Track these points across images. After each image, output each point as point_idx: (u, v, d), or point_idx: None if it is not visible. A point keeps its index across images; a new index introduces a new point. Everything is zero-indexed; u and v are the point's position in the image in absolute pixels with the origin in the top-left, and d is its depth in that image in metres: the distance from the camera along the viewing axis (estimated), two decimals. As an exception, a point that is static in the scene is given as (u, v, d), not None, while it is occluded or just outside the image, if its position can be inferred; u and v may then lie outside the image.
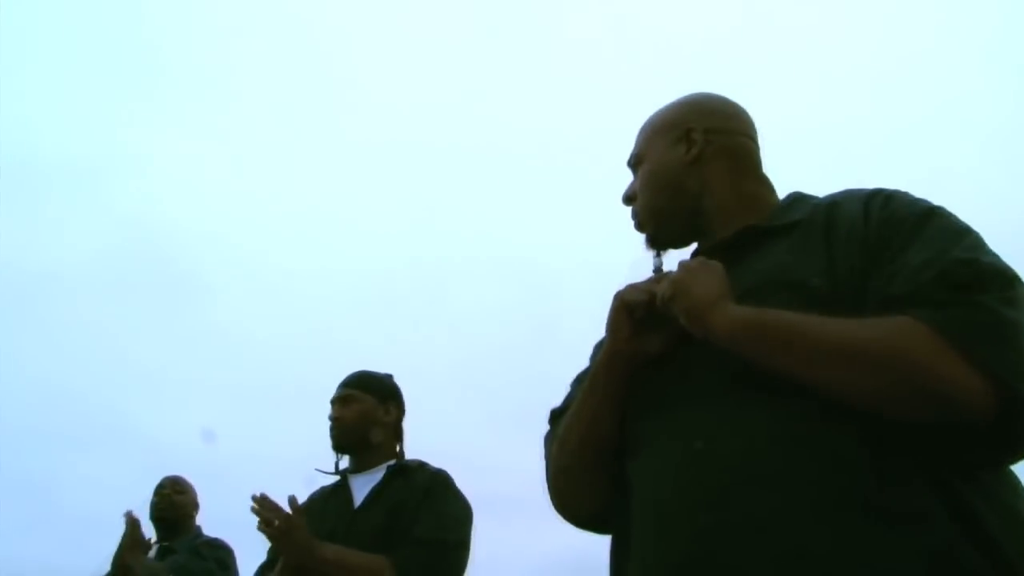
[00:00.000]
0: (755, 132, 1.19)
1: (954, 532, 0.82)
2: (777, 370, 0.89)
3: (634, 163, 1.22)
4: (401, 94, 9.84)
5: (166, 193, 9.06)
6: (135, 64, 8.85)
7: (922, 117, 8.18)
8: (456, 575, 2.04)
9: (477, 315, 8.91)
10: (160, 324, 8.34)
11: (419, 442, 2.34)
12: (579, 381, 1.18)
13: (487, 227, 9.37)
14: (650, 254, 1.18)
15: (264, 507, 1.90)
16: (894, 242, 0.92)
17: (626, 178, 1.24)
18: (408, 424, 2.31)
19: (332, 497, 2.18)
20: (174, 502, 3.11)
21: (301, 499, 2.19)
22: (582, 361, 1.23)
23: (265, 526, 1.90)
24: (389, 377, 2.35)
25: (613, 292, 1.08)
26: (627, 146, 1.25)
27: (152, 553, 3.00)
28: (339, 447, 2.21)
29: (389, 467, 2.16)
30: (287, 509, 1.91)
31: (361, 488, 2.13)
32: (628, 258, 1.20)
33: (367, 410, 2.20)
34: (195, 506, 3.21)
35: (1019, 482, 0.90)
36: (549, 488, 1.16)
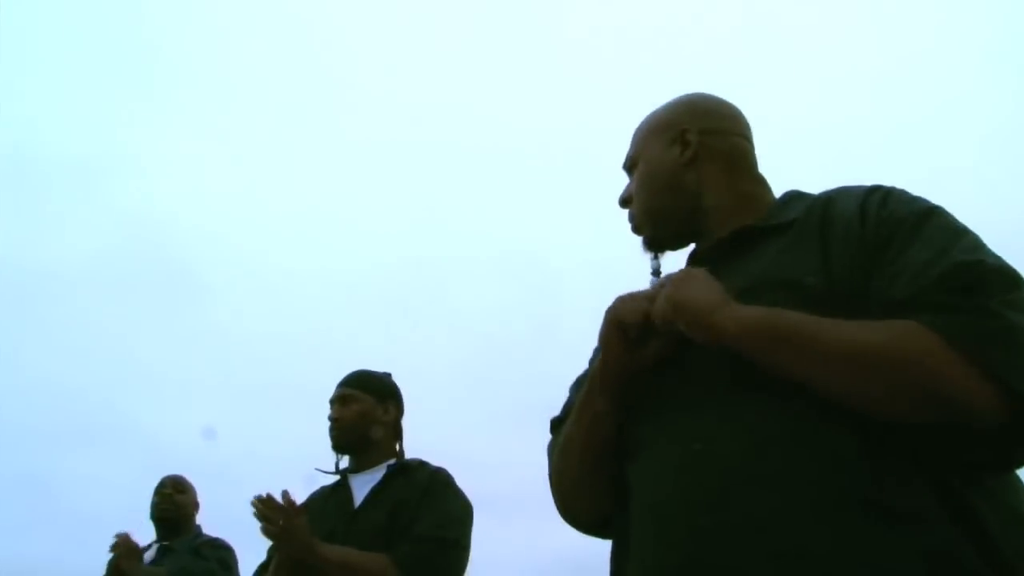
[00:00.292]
0: (750, 132, 1.19)
1: (953, 532, 0.82)
2: (784, 371, 0.89)
3: (630, 165, 1.22)
4: (401, 93, 9.84)
5: (167, 192, 9.07)
6: (136, 63, 8.85)
7: (921, 116, 8.17)
8: (456, 574, 2.04)
9: (477, 314, 8.91)
10: (161, 323, 8.34)
11: (419, 441, 2.34)
12: (578, 386, 1.18)
13: (487, 226, 9.38)
14: (648, 256, 1.18)
15: (267, 506, 1.90)
16: (894, 242, 0.92)
17: (626, 175, 1.24)
18: (408, 423, 2.31)
19: (332, 497, 2.17)
20: (175, 502, 3.11)
21: (301, 498, 2.20)
22: (583, 360, 1.23)
23: (267, 524, 1.90)
24: (388, 376, 2.35)
25: (608, 305, 1.06)
26: (627, 144, 1.25)
27: (152, 553, 3.01)
28: (339, 447, 2.21)
29: (389, 466, 2.16)
30: (283, 504, 1.92)
31: (361, 488, 2.13)
32: (628, 257, 1.20)
33: (366, 410, 2.20)
34: (195, 505, 3.21)
35: (1022, 484, 0.90)
36: (554, 495, 1.16)
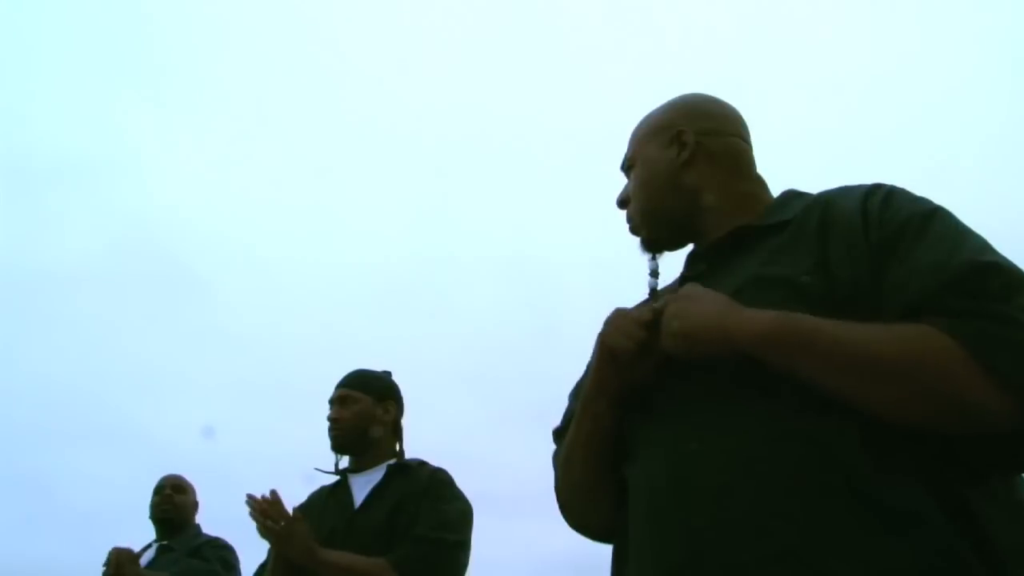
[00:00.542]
0: (747, 132, 1.19)
1: (952, 533, 0.82)
2: (798, 374, 0.88)
3: (627, 166, 1.22)
4: (402, 92, 9.85)
5: (167, 191, 9.07)
6: (136, 62, 8.86)
7: (921, 116, 8.17)
8: (456, 574, 2.03)
9: (479, 313, 8.92)
10: (161, 321, 8.34)
11: (420, 440, 2.34)
12: (577, 393, 1.18)
13: (489, 224, 9.38)
14: (645, 256, 1.18)
15: (268, 507, 1.90)
16: (901, 243, 0.91)
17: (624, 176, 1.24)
18: (409, 423, 2.31)
19: (331, 497, 2.17)
20: (175, 503, 3.11)
21: (301, 498, 2.20)
22: (584, 360, 1.23)
23: (265, 523, 1.90)
24: (387, 375, 2.34)
25: (603, 321, 1.05)
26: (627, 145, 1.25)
27: (151, 552, 3.01)
28: (338, 447, 2.21)
29: (389, 466, 2.16)
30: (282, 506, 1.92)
31: (361, 488, 2.13)
32: (629, 256, 1.20)
33: (365, 410, 2.20)
34: (195, 505, 3.21)
35: None
36: (560, 504, 1.17)
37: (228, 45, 9.40)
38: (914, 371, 0.84)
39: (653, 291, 1.16)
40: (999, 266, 0.86)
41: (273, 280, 9.25)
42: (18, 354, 7.22)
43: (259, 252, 9.28)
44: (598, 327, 1.08)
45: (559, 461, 1.16)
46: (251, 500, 1.92)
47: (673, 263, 1.18)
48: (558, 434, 1.19)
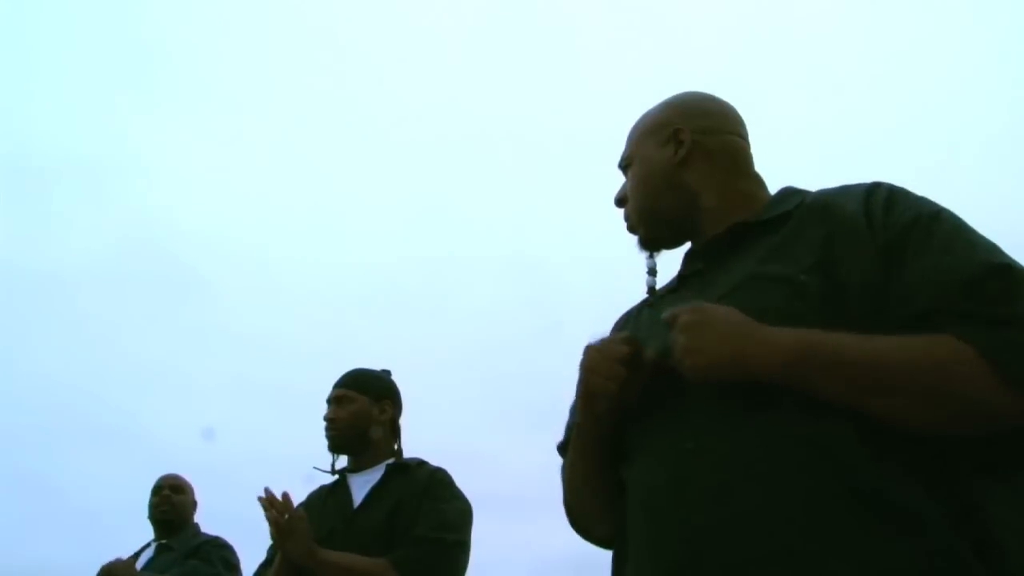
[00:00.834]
0: (745, 130, 1.18)
1: (953, 534, 0.81)
2: (820, 393, 0.87)
3: (624, 165, 1.22)
4: (404, 92, 9.85)
5: (169, 192, 9.09)
6: (139, 64, 8.87)
7: (920, 115, 8.16)
8: (456, 574, 2.03)
9: (479, 312, 8.92)
10: (162, 321, 8.35)
11: (421, 440, 2.33)
12: (575, 408, 1.19)
13: (490, 224, 9.38)
14: (643, 255, 1.18)
15: (277, 502, 1.91)
16: (909, 246, 0.91)
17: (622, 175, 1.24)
18: (410, 422, 2.31)
19: (331, 497, 2.17)
20: (173, 503, 3.11)
21: (301, 497, 2.20)
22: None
23: (271, 515, 1.91)
24: (385, 374, 2.34)
25: (585, 354, 1.04)
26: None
27: (150, 552, 3.01)
28: (335, 447, 2.20)
29: (388, 466, 2.16)
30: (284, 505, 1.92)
31: (360, 487, 2.13)
32: (629, 255, 1.20)
33: (362, 410, 2.19)
34: (193, 504, 3.21)
35: None
36: (567, 514, 1.18)
37: (229, 46, 9.41)
38: (939, 386, 0.84)
39: (651, 289, 1.16)
40: (1011, 268, 0.86)
41: (274, 280, 9.26)
42: (19, 354, 7.24)
43: (260, 252, 9.29)
44: (599, 326, 1.08)
45: (564, 478, 1.16)
46: (265, 496, 1.93)
47: (671, 261, 1.18)
48: (562, 448, 1.19)
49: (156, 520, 3.10)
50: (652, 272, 1.16)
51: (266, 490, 1.94)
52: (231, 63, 9.46)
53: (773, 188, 1.16)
